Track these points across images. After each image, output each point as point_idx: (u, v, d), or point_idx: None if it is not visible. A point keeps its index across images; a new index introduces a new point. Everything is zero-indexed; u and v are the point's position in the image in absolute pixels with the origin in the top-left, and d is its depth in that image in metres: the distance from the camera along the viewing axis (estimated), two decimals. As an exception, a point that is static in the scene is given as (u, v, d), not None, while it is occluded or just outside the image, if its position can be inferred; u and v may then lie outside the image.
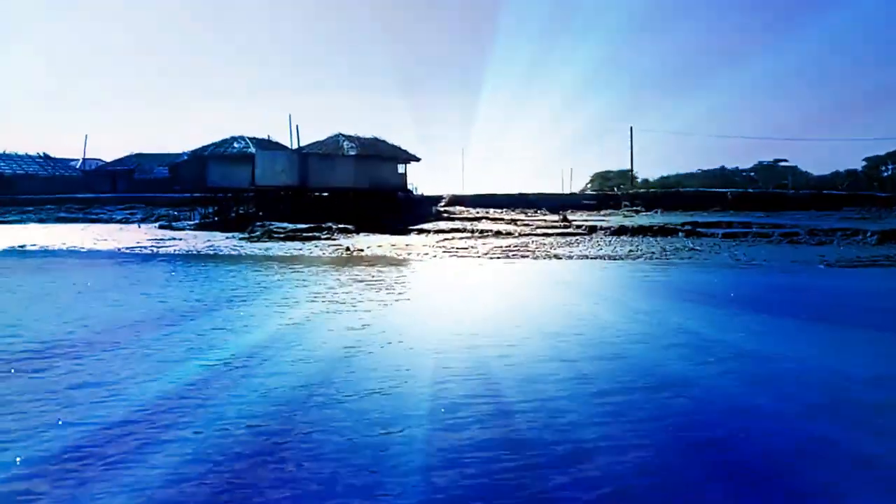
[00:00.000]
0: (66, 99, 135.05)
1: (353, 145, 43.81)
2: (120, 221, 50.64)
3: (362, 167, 44.14)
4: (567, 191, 66.18)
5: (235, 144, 46.49)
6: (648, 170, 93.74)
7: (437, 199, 50.91)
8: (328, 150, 43.74)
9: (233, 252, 29.64)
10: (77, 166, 76.29)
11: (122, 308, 13.99)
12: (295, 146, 47.91)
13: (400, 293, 16.55)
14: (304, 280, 19.32)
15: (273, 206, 45.03)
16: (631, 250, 28.41)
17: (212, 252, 29.82)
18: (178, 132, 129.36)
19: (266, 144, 48.79)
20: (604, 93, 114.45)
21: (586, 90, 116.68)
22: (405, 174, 49.03)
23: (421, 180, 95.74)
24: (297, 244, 32.61)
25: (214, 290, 16.87)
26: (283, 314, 13.34)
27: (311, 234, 35.31)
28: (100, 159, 78.34)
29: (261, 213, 45.25)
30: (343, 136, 45.52)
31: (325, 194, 45.84)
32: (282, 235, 35.11)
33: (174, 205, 54.11)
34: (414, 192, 51.65)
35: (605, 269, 22.81)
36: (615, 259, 26.15)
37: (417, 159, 49.23)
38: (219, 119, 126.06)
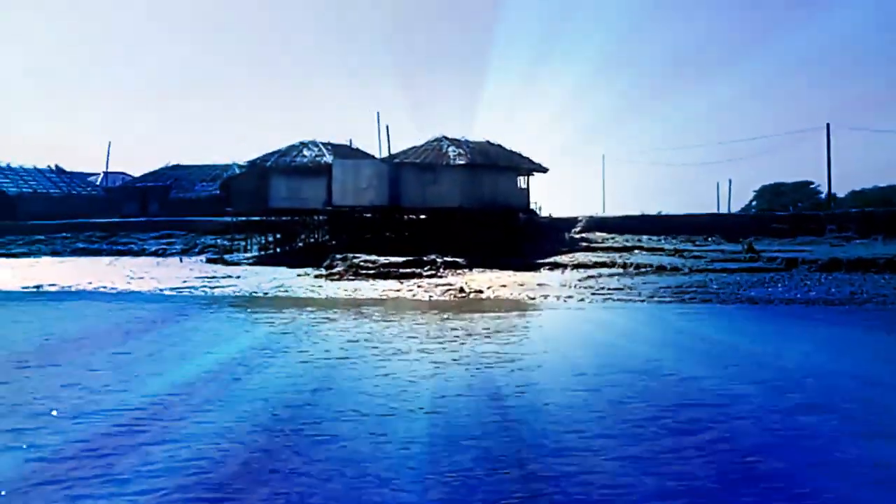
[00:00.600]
0: (81, 101, 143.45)
1: (461, 152, 44.71)
2: (155, 254, 53.35)
3: (472, 180, 44.97)
4: (723, 209, 65.25)
5: (306, 152, 48.43)
6: (840, 182, 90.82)
7: (570, 222, 51.05)
8: (428, 159, 44.76)
9: (312, 294, 30.74)
10: (97, 182, 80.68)
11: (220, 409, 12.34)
12: (384, 154, 49.24)
13: (570, 357, 16.89)
14: (425, 335, 19.94)
15: (355, 231, 46.34)
16: (853, 293, 27.84)
17: (284, 294, 31.05)
18: (225, 139, 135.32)
19: (346, 152, 50.42)
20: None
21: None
22: (527, 190, 49.50)
23: (544, 197, 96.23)
24: (393, 283, 33.47)
25: (317, 356, 17.16)
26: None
27: (409, 270, 36.12)
28: (125, 174, 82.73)
29: (334, 242, 46.63)
30: (447, 139, 46.64)
31: (423, 216, 46.88)
32: (371, 271, 36.09)
33: (222, 232, 56.21)
34: (538, 213, 52.00)
35: (836, 322, 22.47)
36: (834, 304, 25.69)
37: (544, 170, 49.61)
38: (280, 121, 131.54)
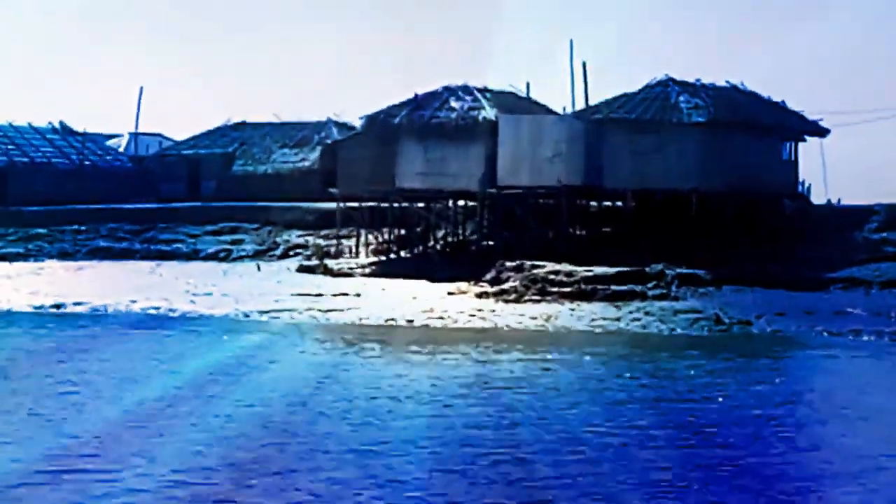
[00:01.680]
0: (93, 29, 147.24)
1: (698, 103, 44.26)
2: (215, 257, 54.78)
3: (714, 147, 44.43)
4: None
5: (454, 102, 48.47)
6: None
7: (861, 213, 49.98)
8: (647, 114, 44.48)
9: (486, 324, 31.00)
10: (121, 148, 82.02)
11: None
12: (578, 107, 48.83)
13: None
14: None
15: (526, 225, 46.50)
16: None
17: (442, 325, 31.44)
18: (315, 84, 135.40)
19: (513, 103, 50.50)
20: None
21: None
22: (795, 162, 48.84)
23: (815, 174, 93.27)
24: (605, 308, 33.50)
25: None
26: None
27: (624, 289, 36.05)
28: (163, 135, 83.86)
29: (491, 242, 47.10)
30: (675, 83, 46.34)
31: (631, 203, 46.47)
32: (566, 289, 36.13)
33: (316, 225, 56.51)
34: (809, 199, 51.10)
35: None
36: None
37: (822, 132, 48.94)
38: (403, 61, 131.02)
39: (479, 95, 49.18)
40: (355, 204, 52.08)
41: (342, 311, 33.97)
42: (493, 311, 33.36)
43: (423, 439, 15.84)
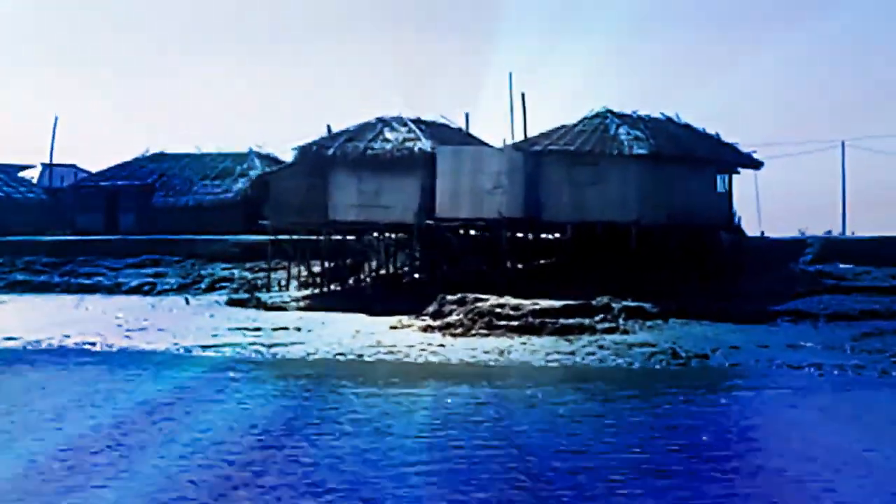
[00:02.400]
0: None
1: (638, 134, 44.01)
2: (139, 290, 53.39)
3: (655, 180, 44.26)
4: None
5: (389, 134, 48.02)
6: None
7: (794, 245, 50.26)
8: (587, 145, 44.13)
9: (439, 359, 30.50)
10: (34, 181, 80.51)
11: None
12: (518, 139, 48.35)
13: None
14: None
15: (459, 256, 46.14)
16: None
17: (393, 359, 30.89)
18: (237, 115, 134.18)
19: (445, 135, 49.87)
20: None
21: None
22: (728, 195, 48.99)
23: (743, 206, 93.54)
24: (556, 342, 33.09)
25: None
26: None
27: (572, 322, 35.64)
28: (78, 167, 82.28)
29: (424, 274, 46.80)
30: (613, 114, 46.01)
31: (569, 236, 46.09)
32: (515, 322, 35.63)
33: (241, 258, 55.39)
34: (744, 232, 51.16)
35: None
36: None
37: (756, 164, 49.13)
38: (329, 92, 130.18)
39: (413, 127, 48.69)
40: (286, 237, 51.26)
41: (286, 345, 33.37)
42: (443, 345, 32.81)
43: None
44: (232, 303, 46.69)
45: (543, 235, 48.10)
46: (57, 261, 59.06)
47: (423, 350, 31.90)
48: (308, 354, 31.76)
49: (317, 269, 50.89)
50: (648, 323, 36.34)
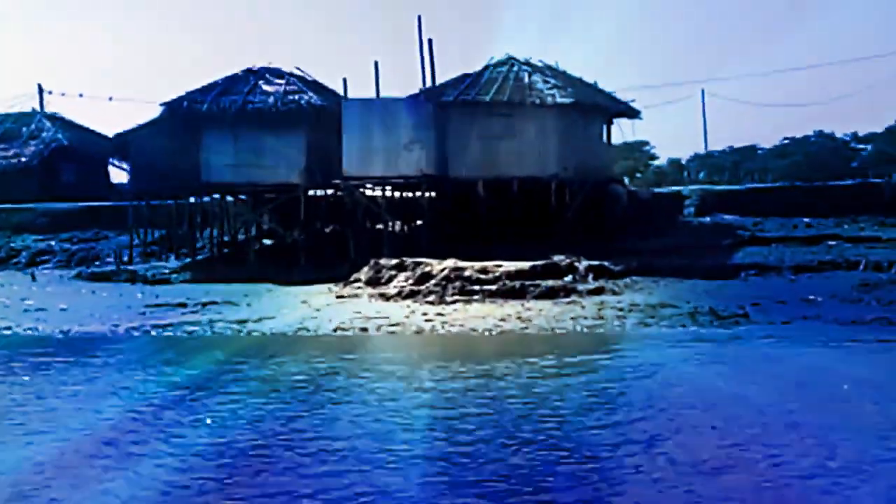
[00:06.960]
0: None
1: (556, 83, 42.57)
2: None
3: (569, 132, 43.04)
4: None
5: (267, 86, 45.65)
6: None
7: (675, 197, 50.10)
8: (503, 96, 42.36)
9: (454, 329, 27.61)
10: None
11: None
12: (423, 86, 45.75)
13: None
14: None
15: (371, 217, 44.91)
16: None
17: (412, 332, 27.59)
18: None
19: (322, 92, 47.43)
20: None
21: None
22: (611, 146, 48.72)
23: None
24: (565, 307, 30.88)
25: None
26: None
27: (560, 283, 34.12)
28: None
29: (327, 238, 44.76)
30: (519, 62, 44.71)
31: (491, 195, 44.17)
32: (491, 286, 33.46)
33: (53, 230, 52.46)
34: (626, 184, 51.26)
35: None
36: None
37: (634, 114, 48.63)
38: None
39: (296, 80, 46.18)
40: (155, 202, 48.67)
41: (255, 321, 29.33)
42: (440, 314, 29.75)
43: None
44: (93, 277, 42.88)
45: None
46: None
47: (429, 321, 28.65)
48: (299, 330, 27.82)
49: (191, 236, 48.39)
50: (620, 282, 34.84)
